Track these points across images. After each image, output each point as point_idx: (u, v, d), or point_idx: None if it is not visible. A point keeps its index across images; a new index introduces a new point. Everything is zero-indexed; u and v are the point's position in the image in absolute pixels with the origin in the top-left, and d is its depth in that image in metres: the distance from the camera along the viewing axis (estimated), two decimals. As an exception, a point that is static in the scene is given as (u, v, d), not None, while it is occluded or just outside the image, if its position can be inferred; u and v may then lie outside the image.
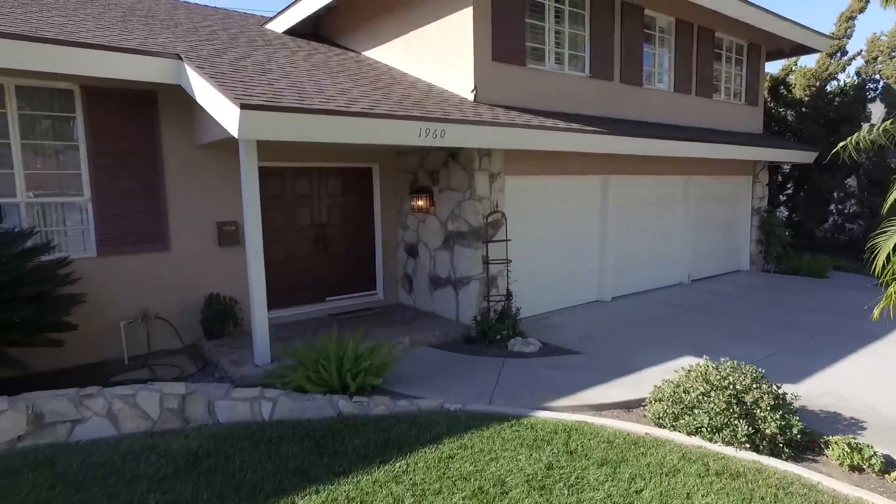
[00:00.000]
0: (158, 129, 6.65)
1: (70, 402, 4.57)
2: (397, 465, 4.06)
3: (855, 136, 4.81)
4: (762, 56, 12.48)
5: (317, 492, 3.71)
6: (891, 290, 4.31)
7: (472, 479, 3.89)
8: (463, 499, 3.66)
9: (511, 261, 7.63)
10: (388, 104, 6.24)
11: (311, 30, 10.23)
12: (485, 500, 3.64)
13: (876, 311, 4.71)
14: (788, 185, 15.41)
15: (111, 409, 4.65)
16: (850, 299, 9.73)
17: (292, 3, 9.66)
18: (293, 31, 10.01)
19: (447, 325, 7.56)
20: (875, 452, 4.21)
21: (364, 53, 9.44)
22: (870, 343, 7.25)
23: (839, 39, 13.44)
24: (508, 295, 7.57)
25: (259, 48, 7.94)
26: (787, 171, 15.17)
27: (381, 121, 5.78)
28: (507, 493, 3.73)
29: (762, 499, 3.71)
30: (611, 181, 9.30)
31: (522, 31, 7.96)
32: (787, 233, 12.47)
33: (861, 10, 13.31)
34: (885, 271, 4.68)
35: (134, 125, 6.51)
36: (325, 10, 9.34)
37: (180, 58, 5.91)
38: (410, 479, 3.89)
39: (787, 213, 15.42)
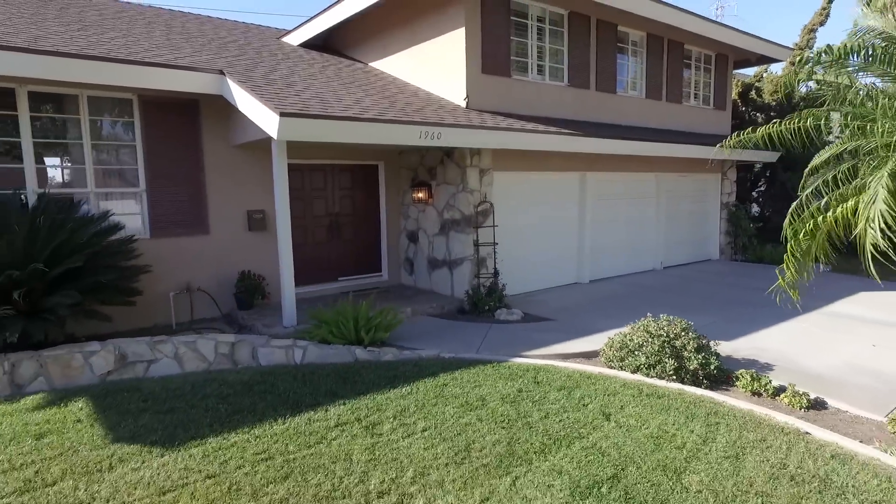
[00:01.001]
0: (200, 131, 7.90)
1: (147, 346, 5.82)
2: (404, 389, 5.32)
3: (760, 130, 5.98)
4: (729, 65, 13.76)
5: (343, 403, 4.97)
6: (784, 275, 5.43)
7: (461, 397, 5.14)
8: (453, 408, 4.91)
9: (498, 243, 8.90)
10: (394, 111, 7.50)
11: (322, 42, 11.47)
12: (469, 409, 4.90)
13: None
14: (760, 183, 16.69)
15: (177, 353, 5.91)
16: (801, 284, 10.99)
17: (307, 21, 10.92)
18: (307, 44, 11.26)
19: (443, 299, 8.81)
20: (770, 381, 5.48)
21: (371, 64, 10.70)
22: (802, 314, 8.50)
23: (801, 50, 14.73)
24: (496, 273, 8.84)
25: (281, 61, 9.19)
26: (758, 169, 16.46)
27: (388, 125, 7.04)
28: (486, 405, 4.98)
29: (677, 409, 4.97)
30: (588, 177, 10.57)
31: (508, 47, 9.23)
32: (751, 225, 13.75)
33: (822, 24, 14.62)
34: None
35: (180, 128, 7.76)
36: (338, 26, 10.60)
37: (223, 73, 7.16)
38: (414, 397, 5.15)
39: (758, 208, 16.71)
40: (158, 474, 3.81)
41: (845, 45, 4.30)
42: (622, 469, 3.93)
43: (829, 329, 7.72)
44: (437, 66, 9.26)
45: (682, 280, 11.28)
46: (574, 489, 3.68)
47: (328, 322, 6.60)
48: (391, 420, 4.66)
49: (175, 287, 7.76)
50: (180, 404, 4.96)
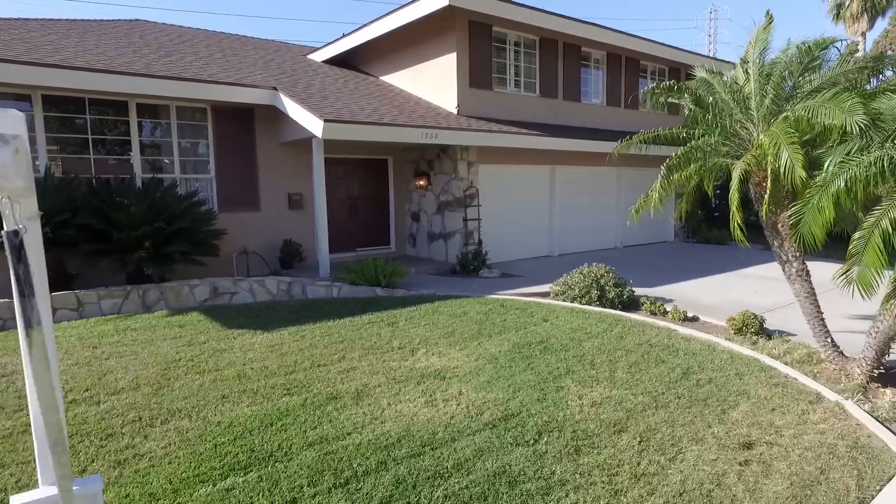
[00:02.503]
0: (254, 132, 10.37)
1: (231, 282, 8.31)
2: (411, 307, 7.81)
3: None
4: (682, 77, 16.24)
5: (371, 314, 7.46)
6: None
7: (449, 312, 7.63)
8: (444, 316, 7.40)
9: (482, 219, 11.40)
10: (403, 117, 9.99)
11: (342, 60, 13.96)
12: (455, 317, 7.39)
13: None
14: (716, 178, 19.17)
15: (251, 287, 8.39)
16: (731, 256, 13.53)
17: (330, 43, 13.42)
18: (330, 61, 13.76)
19: (439, 264, 11.30)
20: (663, 305, 7.96)
21: (381, 78, 13.18)
22: (719, 275, 11.01)
23: (745, 63, 17.19)
24: (479, 242, 11.34)
25: (314, 77, 11.68)
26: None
27: (399, 128, 9.52)
28: (466, 315, 7.48)
29: (594, 318, 7.44)
30: (556, 170, 13.06)
31: (490, 66, 11.72)
32: (700, 212, 16.25)
33: (763, 41, 17.09)
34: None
35: (240, 130, 10.23)
36: (354, 49, 13.09)
37: (276, 88, 9.65)
38: (418, 311, 7.64)
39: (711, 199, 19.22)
40: (264, 340, 6.31)
41: (676, 85, 6.75)
42: (546, 339, 6.43)
43: (731, 283, 10.22)
44: (433, 81, 11.74)
45: (635, 255, 13.78)
46: (515, 345, 6.17)
47: (356, 271, 9.08)
48: (404, 321, 7.16)
49: (236, 250, 10.23)
50: (263, 314, 7.45)
